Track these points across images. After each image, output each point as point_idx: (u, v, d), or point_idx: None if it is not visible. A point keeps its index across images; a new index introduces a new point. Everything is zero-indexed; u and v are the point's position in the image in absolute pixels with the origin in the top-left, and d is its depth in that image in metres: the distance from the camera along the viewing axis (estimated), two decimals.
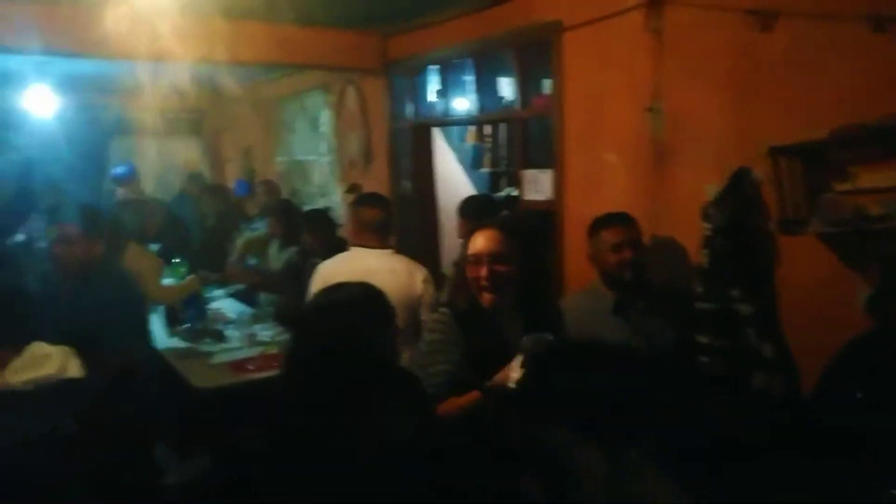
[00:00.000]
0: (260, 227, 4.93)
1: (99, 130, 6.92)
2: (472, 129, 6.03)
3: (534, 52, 3.38)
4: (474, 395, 1.83)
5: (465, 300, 2.01)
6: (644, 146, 2.83)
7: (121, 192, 5.38)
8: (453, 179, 5.34)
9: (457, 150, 5.77)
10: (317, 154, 6.01)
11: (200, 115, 7.61)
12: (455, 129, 5.90)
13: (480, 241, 2.00)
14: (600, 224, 2.45)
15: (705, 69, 2.59)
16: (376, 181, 4.84)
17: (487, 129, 5.68)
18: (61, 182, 5.06)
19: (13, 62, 4.67)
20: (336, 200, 5.82)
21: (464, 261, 2.04)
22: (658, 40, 2.74)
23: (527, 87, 3.48)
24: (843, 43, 2.15)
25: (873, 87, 2.10)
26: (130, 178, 5.39)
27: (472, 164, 5.85)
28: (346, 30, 4.32)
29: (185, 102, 5.95)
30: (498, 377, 1.77)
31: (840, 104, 2.16)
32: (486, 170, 5.84)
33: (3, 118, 5.51)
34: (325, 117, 5.77)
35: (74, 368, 1.85)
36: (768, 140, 2.32)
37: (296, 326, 1.73)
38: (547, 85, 3.35)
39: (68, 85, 5.28)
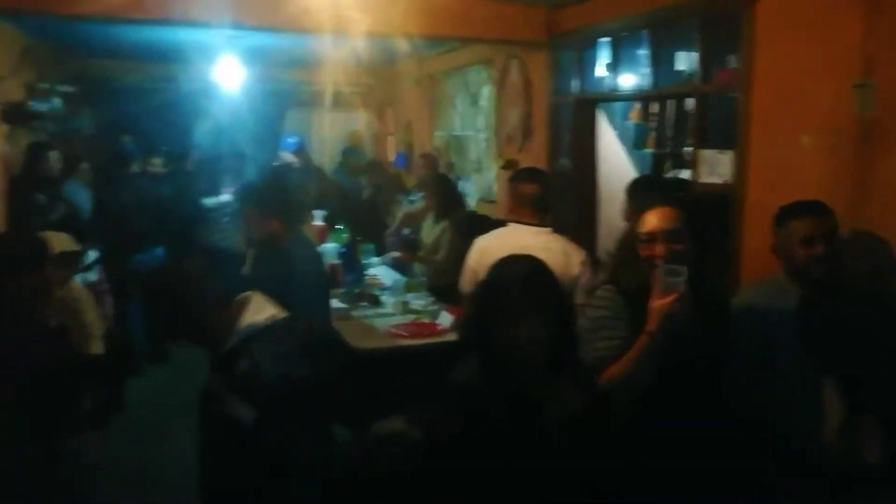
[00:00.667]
0: (416, 200, 5.04)
1: (276, 102, 7.42)
2: (637, 106, 5.74)
3: (720, 23, 3.11)
4: (642, 340, 1.81)
5: (634, 279, 1.94)
6: (848, 127, 2.51)
7: (290, 161, 5.73)
8: (613, 159, 5.11)
9: (618, 128, 5.53)
10: (475, 129, 6.03)
11: (366, 90, 7.90)
12: (617, 108, 5.65)
13: (655, 219, 1.92)
14: (790, 213, 2.16)
15: None
16: (533, 158, 4.75)
17: (653, 108, 5.39)
18: (243, 149, 5.49)
19: (207, 35, 5.10)
20: (491, 176, 5.82)
21: (633, 239, 1.97)
22: (874, 5, 2.40)
23: (710, 60, 3.22)
24: None
25: None
26: (300, 148, 5.73)
27: (635, 143, 5.57)
28: (511, 2, 4.24)
29: (354, 77, 6.19)
30: (656, 313, 1.78)
31: None
32: (649, 150, 5.55)
33: (201, 88, 6.07)
34: (486, 92, 5.75)
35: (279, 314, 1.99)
36: None
37: (471, 300, 1.74)
38: (733, 59, 3.07)
39: (250, 58, 5.67)
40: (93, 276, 3.93)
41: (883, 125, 2.41)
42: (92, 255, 4.00)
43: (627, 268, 2.00)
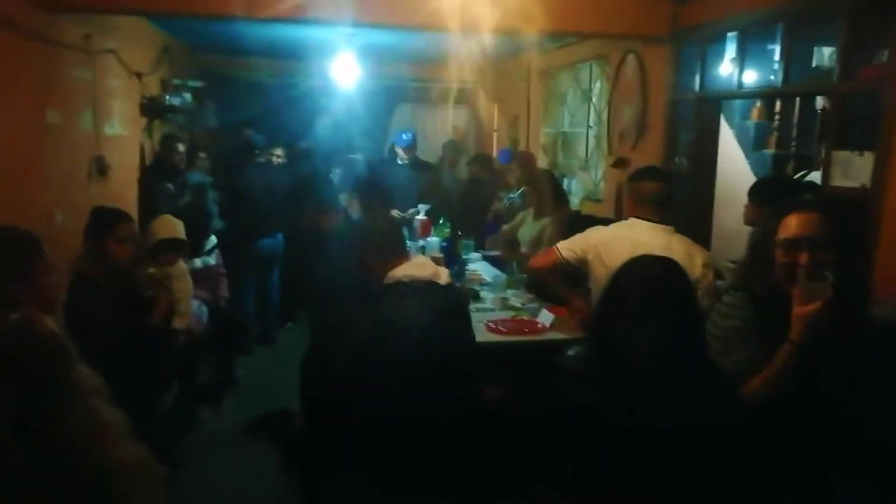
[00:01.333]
0: (515, 198, 5.05)
1: (386, 97, 7.60)
2: (759, 105, 5.49)
3: (868, 16, 2.91)
4: (785, 349, 1.72)
5: (766, 285, 1.84)
6: None
7: (402, 156, 5.87)
8: (730, 160, 4.91)
9: (736, 128, 5.30)
10: (584, 126, 5.94)
11: (473, 86, 7.96)
12: (736, 106, 5.42)
13: (798, 224, 1.81)
14: None
15: None
16: (647, 156, 4.63)
17: (777, 107, 5.13)
18: (356, 142, 5.68)
19: (326, 33, 5.29)
20: (598, 174, 5.72)
21: (766, 243, 1.87)
22: None
23: (852, 56, 3.02)
24: None
25: None
26: (410, 143, 5.86)
27: (755, 143, 5.34)
28: None
29: (460, 73, 6.24)
30: (800, 321, 1.70)
31: None
32: (770, 151, 5.30)
33: (319, 85, 6.32)
34: (598, 88, 5.66)
35: (444, 277, 2.36)
36: None
37: (602, 298, 1.73)
38: (881, 54, 2.87)
39: (363, 54, 5.84)
40: (212, 259, 4.19)
41: None
42: (212, 240, 4.27)
43: (760, 273, 1.89)
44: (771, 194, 2.99)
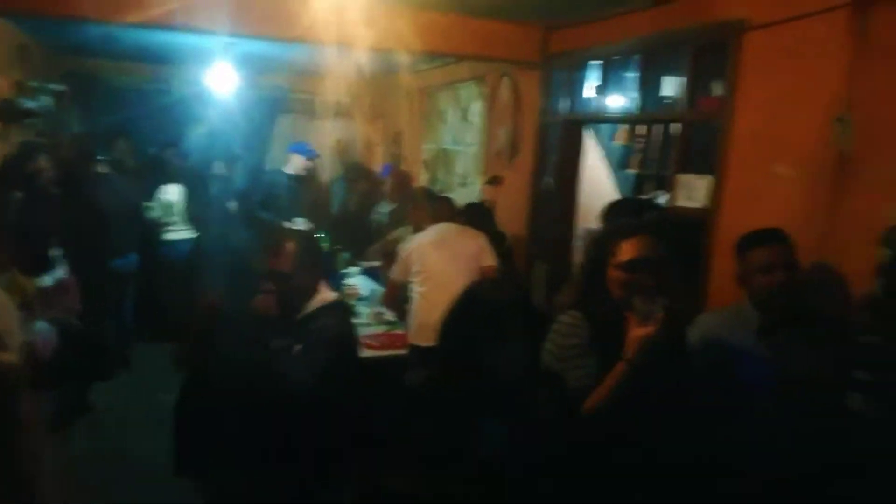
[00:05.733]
0: (386, 212, 5.17)
1: (267, 108, 7.44)
2: (624, 128, 5.86)
3: (709, 52, 3.22)
4: (619, 367, 1.80)
5: (603, 306, 1.93)
6: (825, 160, 2.60)
7: (301, 167, 5.84)
8: (597, 179, 5.22)
9: (605, 149, 5.64)
10: (463, 144, 6.11)
11: (356, 100, 7.95)
12: (605, 129, 5.77)
13: (632, 247, 1.91)
14: (750, 241, 2.20)
15: None
16: (520, 175, 4.85)
17: (640, 131, 5.51)
18: (235, 154, 5.51)
19: (202, 40, 5.11)
20: (476, 190, 5.89)
21: (602, 264, 1.95)
22: (859, 43, 2.50)
23: (696, 87, 3.33)
24: None
25: None
26: (314, 156, 5.89)
27: (620, 164, 5.69)
28: (507, 21, 4.33)
29: (343, 86, 6.24)
30: (635, 341, 1.79)
31: None
32: (632, 171, 5.67)
33: (195, 93, 6.07)
34: (476, 108, 5.84)
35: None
36: None
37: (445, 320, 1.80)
38: (718, 87, 3.18)
39: (243, 63, 5.71)
40: (61, 272, 3.90)
41: (858, 160, 2.50)
42: (56, 253, 3.96)
43: (597, 294, 1.96)
44: (618, 215, 3.10)
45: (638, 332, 1.79)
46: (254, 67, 6.31)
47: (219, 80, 5.43)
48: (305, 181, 5.89)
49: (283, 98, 7.75)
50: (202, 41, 5.14)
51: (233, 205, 4.94)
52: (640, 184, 5.58)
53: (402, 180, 5.82)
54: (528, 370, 1.71)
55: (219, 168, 5.47)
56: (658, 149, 5.25)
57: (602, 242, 2.02)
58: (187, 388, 2.40)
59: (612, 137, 5.89)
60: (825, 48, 2.62)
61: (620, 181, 5.58)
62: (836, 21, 2.56)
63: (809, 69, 2.70)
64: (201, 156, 5.44)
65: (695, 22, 3.25)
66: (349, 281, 4.64)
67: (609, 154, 5.68)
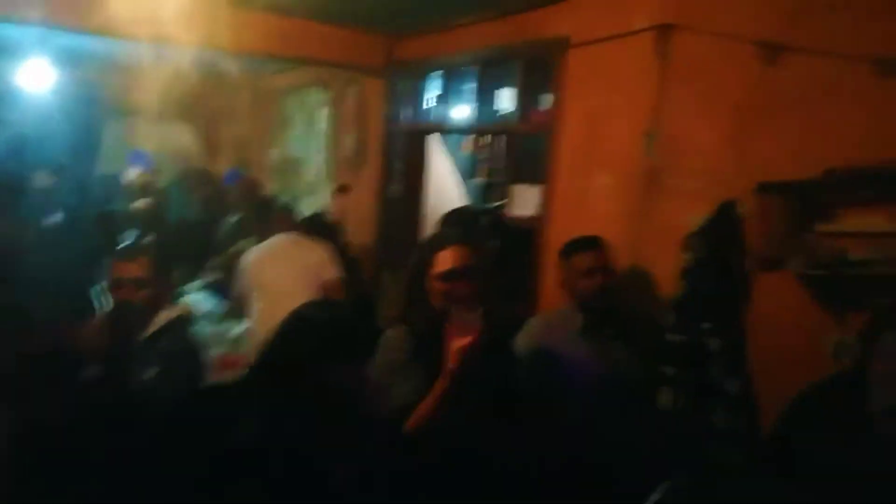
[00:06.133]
0: (231, 222, 4.93)
1: (94, 109, 6.80)
2: (470, 138, 5.99)
3: (538, 67, 3.35)
4: (440, 384, 1.77)
5: (424, 318, 1.92)
6: (637, 171, 2.79)
7: (134, 180, 5.40)
8: (446, 187, 5.30)
9: (454, 158, 5.73)
10: (311, 151, 5.96)
11: (197, 102, 7.51)
12: (454, 138, 5.87)
13: (450, 257, 1.92)
14: (571, 248, 2.41)
15: (709, 99, 2.56)
16: (367, 183, 4.80)
17: (487, 139, 5.66)
18: (56, 162, 4.94)
19: (14, 33, 4.58)
20: (325, 199, 5.76)
21: (422, 277, 1.95)
22: (664, 65, 2.71)
23: (527, 100, 3.45)
24: (848, 85, 2.13)
25: (875, 131, 2.08)
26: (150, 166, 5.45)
27: (468, 173, 5.81)
28: (351, 27, 4.28)
29: (183, 87, 5.87)
30: (456, 353, 1.76)
31: (839, 146, 2.13)
32: (481, 180, 5.81)
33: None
34: (323, 115, 5.72)
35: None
36: (763, 176, 2.29)
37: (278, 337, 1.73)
38: (547, 100, 3.32)
39: (65, 59, 5.20)
40: None
41: (663, 171, 2.70)
42: None
43: (417, 306, 1.95)
44: (453, 225, 3.16)
45: (458, 342, 1.77)
46: (80, 65, 5.76)
47: (32, 76, 4.89)
48: (143, 191, 5.46)
49: (114, 99, 7.14)
50: (11, 32, 4.62)
51: (58, 218, 4.47)
52: (487, 192, 5.73)
53: (249, 188, 5.56)
54: (357, 391, 1.67)
55: (41, 179, 4.87)
56: (502, 158, 5.42)
57: (420, 253, 2.01)
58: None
59: (459, 147, 6.00)
60: (637, 67, 2.80)
61: (470, 190, 5.70)
62: (645, 43, 2.74)
63: (624, 86, 2.89)
64: (12, 165, 4.79)
65: (525, 37, 3.37)
66: (187, 297, 4.34)
67: (459, 163, 5.78)
